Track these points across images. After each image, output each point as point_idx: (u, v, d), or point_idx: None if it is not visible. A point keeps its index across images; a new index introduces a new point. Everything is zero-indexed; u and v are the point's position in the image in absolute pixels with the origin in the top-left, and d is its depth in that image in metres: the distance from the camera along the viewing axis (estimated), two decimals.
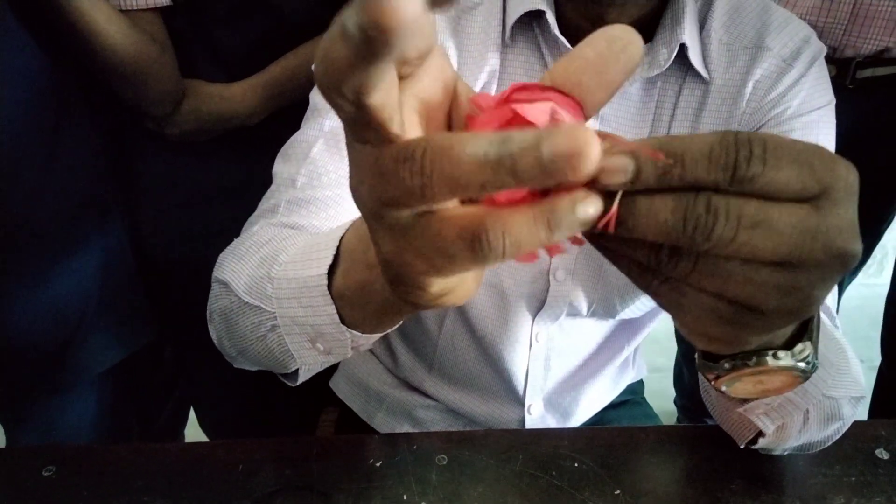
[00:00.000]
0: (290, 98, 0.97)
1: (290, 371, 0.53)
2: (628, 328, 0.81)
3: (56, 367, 0.89)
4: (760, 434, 0.54)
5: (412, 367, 0.83)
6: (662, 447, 0.64)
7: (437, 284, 0.26)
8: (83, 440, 0.98)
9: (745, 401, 0.50)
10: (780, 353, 0.37)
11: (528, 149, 0.20)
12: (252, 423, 1.20)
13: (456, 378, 0.81)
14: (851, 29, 1.09)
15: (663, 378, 1.69)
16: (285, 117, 0.89)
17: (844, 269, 0.26)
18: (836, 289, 0.75)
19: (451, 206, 0.24)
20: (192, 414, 1.33)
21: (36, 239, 0.83)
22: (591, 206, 0.22)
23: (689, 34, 0.60)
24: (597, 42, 0.24)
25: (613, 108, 0.64)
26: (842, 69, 1.12)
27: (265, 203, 0.61)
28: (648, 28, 0.62)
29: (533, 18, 0.63)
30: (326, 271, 0.43)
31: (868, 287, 1.88)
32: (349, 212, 0.58)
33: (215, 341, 0.58)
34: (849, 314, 1.26)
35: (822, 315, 0.49)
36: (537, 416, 0.82)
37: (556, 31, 0.61)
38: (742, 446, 0.58)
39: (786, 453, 0.60)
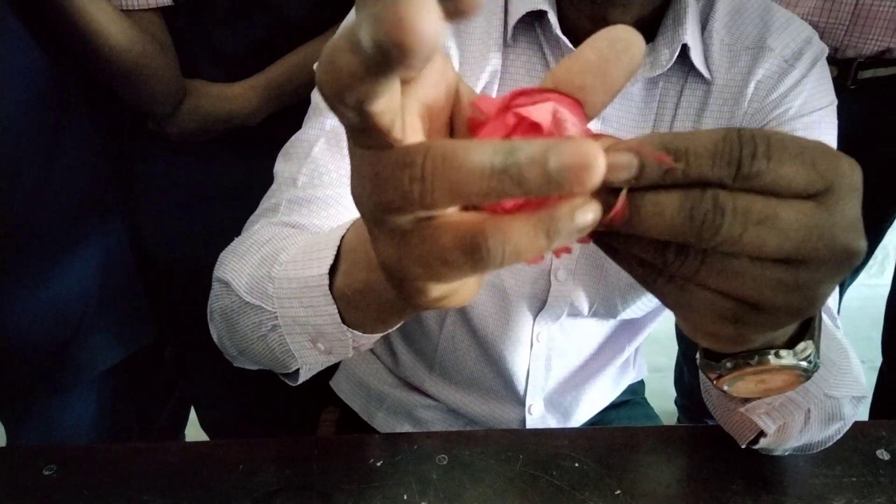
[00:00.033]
0: (291, 98, 0.97)
1: (290, 371, 0.53)
2: (629, 328, 0.81)
3: (56, 366, 0.89)
4: (762, 434, 0.54)
5: (413, 367, 0.83)
6: (663, 447, 0.64)
7: (438, 289, 0.26)
8: (83, 440, 0.98)
9: (746, 400, 0.50)
10: (783, 352, 0.37)
11: (536, 160, 0.20)
12: (252, 423, 1.20)
13: (457, 378, 0.81)
14: (853, 29, 1.08)
15: (664, 378, 1.69)
16: (286, 117, 0.89)
17: (849, 266, 0.26)
18: (837, 289, 0.74)
19: (451, 212, 0.24)
20: (192, 414, 1.33)
21: (36, 239, 0.83)
22: (589, 213, 0.22)
23: (691, 34, 0.60)
24: (598, 43, 0.24)
25: (615, 109, 0.64)
26: (843, 70, 1.12)
27: (266, 202, 0.61)
28: (650, 28, 0.62)
29: (535, 18, 0.63)
30: (327, 271, 0.43)
31: (869, 288, 1.88)
32: (350, 211, 0.58)
33: (216, 340, 0.58)
34: (850, 315, 1.26)
35: (824, 315, 0.49)
36: (538, 417, 0.82)
37: (558, 32, 0.61)
38: (743, 446, 0.58)
39: (786, 454, 0.60)
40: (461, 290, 0.27)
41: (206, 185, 1.00)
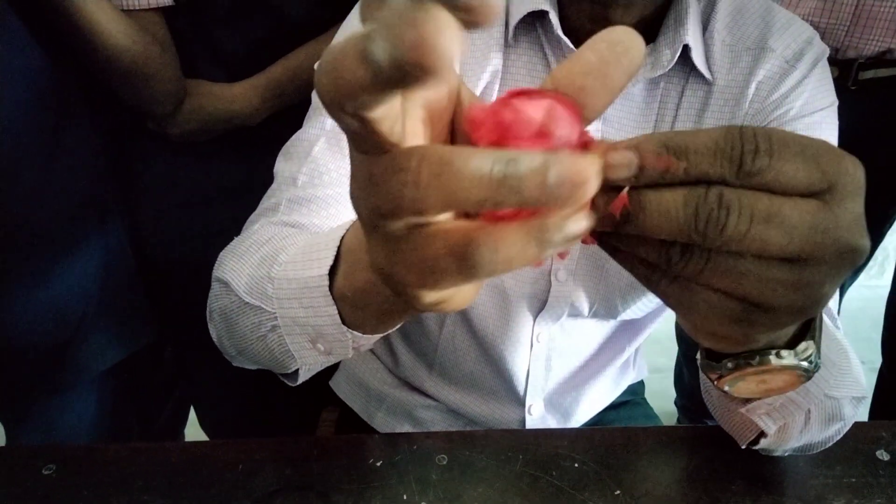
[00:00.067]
0: (292, 98, 0.97)
1: (290, 371, 0.53)
2: (629, 329, 0.81)
3: (56, 366, 0.89)
4: (762, 434, 0.54)
5: (413, 367, 0.83)
6: (663, 448, 0.64)
7: (432, 295, 0.26)
8: (83, 440, 0.98)
9: (747, 401, 0.50)
10: (784, 353, 0.37)
11: (536, 171, 0.20)
12: (252, 423, 1.20)
13: (456, 378, 0.81)
14: (853, 30, 1.08)
15: (664, 378, 1.69)
16: (286, 117, 0.89)
17: (853, 264, 0.26)
18: (837, 290, 0.74)
19: (444, 219, 0.24)
20: (192, 414, 1.33)
21: (36, 239, 0.83)
22: (582, 222, 0.22)
23: (692, 35, 0.60)
24: (598, 45, 0.24)
25: (616, 109, 0.64)
26: (844, 70, 1.12)
27: (266, 201, 0.61)
28: (652, 29, 0.62)
29: (536, 19, 0.63)
30: (327, 272, 0.43)
31: (869, 289, 1.88)
32: (350, 210, 0.58)
33: (215, 340, 0.58)
34: (850, 316, 1.26)
35: (824, 316, 0.49)
36: (538, 417, 0.82)
37: (560, 32, 0.61)
38: (743, 447, 0.58)
39: (787, 454, 0.60)
40: (457, 296, 0.27)
41: (206, 185, 1.00)
